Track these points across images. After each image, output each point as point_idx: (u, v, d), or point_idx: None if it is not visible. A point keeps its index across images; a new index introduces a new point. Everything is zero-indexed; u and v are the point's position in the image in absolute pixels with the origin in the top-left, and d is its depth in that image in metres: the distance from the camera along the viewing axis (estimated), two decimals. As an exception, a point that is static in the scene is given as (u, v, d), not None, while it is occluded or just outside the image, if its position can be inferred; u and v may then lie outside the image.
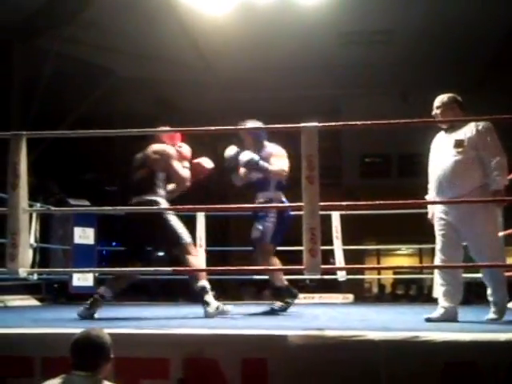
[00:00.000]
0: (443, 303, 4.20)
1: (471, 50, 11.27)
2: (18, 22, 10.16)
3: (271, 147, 5.27)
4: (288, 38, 10.60)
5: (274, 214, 5.16)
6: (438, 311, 4.19)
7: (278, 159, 5.20)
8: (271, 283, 5.27)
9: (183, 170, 5.05)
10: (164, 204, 4.87)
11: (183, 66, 11.74)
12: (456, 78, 12.27)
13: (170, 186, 5.16)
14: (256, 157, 5.18)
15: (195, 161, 5.23)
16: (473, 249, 4.29)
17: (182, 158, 5.11)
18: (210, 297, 4.74)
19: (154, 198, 4.87)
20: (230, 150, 5.32)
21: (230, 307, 4.83)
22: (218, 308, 4.69)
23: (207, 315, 4.60)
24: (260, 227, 5.17)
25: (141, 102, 13.38)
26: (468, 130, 4.23)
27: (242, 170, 5.34)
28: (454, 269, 4.30)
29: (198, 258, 5.12)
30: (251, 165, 5.18)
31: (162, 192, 4.96)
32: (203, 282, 4.79)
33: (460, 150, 4.22)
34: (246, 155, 5.19)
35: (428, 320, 4.11)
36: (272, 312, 5.09)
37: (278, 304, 5.13)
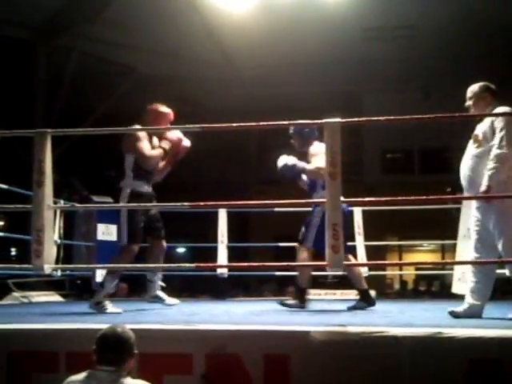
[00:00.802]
0: (469, 299, 4.16)
1: (495, 46, 11.15)
2: (41, 21, 10.26)
3: (315, 146, 5.17)
4: (310, 33, 10.58)
5: (317, 216, 5.06)
6: (462, 306, 4.15)
7: (316, 158, 5.09)
8: (296, 281, 5.27)
9: (149, 149, 4.99)
10: (128, 189, 4.99)
11: (205, 63, 11.76)
12: (479, 73, 12.15)
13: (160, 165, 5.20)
14: (291, 160, 5.14)
15: (169, 136, 5.12)
16: (498, 244, 4.23)
17: (162, 138, 5.11)
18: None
19: (121, 184, 5.05)
20: (280, 161, 5.25)
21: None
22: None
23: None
24: (303, 229, 5.17)
25: (163, 100, 13.38)
26: (485, 124, 4.16)
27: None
28: (488, 267, 4.21)
29: (125, 262, 4.97)
30: (286, 170, 5.16)
31: (129, 177, 5.04)
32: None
33: (476, 144, 4.17)
34: (281, 160, 5.18)
35: (451, 312, 4.08)
36: (284, 305, 5.13)
37: (291, 301, 5.17)
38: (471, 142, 4.24)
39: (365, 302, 5.26)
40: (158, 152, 5.06)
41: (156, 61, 11.54)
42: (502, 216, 4.08)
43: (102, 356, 2.68)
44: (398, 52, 11.57)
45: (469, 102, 4.33)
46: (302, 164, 5.15)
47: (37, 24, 10.33)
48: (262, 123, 4.07)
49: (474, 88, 4.33)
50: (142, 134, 5.03)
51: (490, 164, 4.00)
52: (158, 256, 5.24)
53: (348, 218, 5.17)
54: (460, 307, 4.14)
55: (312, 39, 10.73)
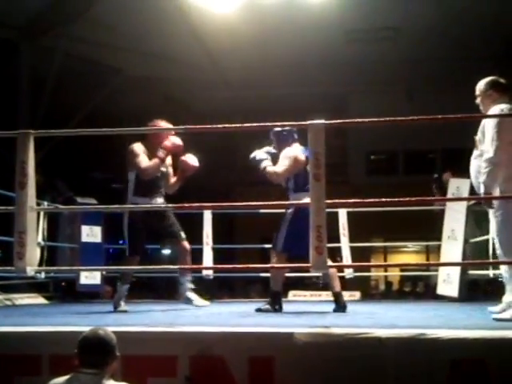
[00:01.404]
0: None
1: (478, 48, 11.22)
2: (26, 21, 10.19)
3: (287, 149, 5.15)
4: (294, 35, 10.60)
5: (286, 221, 5.06)
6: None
7: (281, 161, 5.11)
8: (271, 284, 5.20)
9: (145, 162, 5.23)
10: (128, 204, 5.32)
11: (190, 64, 11.75)
12: (462, 76, 12.23)
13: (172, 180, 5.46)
14: (260, 155, 5.15)
15: (181, 158, 5.37)
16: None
17: (163, 147, 5.27)
18: None
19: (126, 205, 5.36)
20: (252, 153, 5.25)
21: None
22: None
23: None
24: (274, 234, 5.17)
25: (149, 101, 13.38)
26: (481, 125, 4.11)
27: None
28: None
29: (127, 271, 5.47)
30: (253, 163, 5.18)
31: (130, 193, 5.34)
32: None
33: (475, 147, 4.18)
34: (254, 153, 5.20)
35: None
36: (259, 311, 5.02)
37: (265, 306, 5.08)
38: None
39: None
40: (153, 162, 5.25)
41: (141, 62, 11.51)
42: (501, 219, 4.02)
43: (84, 359, 2.67)
44: (381, 54, 11.62)
45: (477, 100, 4.27)
46: (265, 163, 5.12)
47: (20, 24, 10.25)
48: (246, 124, 4.07)
49: (480, 85, 4.26)
50: (140, 150, 5.30)
51: (483, 168, 3.97)
52: (184, 257, 5.42)
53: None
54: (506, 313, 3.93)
55: (296, 41, 10.76)
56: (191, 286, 5.58)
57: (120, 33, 10.46)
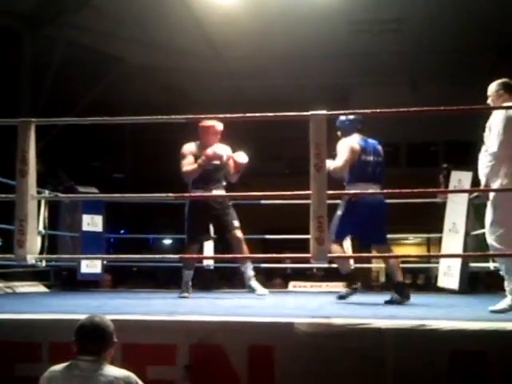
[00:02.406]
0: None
1: (482, 38, 11.17)
2: (28, 10, 10.16)
3: (344, 140, 5.26)
4: (297, 26, 10.55)
5: (340, 209, 5.21)
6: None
7: (339, 154, 5.19)
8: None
9: (186, 166, 5.61)
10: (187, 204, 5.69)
11: (193, 54, 11.70)
12: (466, 67, 12.20)
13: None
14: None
15: (231, 155, 5.63)
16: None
17: (205, 154, 5.57)
18: None
19: None
20: None
21: None
22: None
23: None
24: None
25: (151, 91, 13.37)
26: (489, 122, 4.13)
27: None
28: None
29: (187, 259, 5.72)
30: None
31: (189, 187, 5.70)
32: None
33: (483, 143, 4.18)
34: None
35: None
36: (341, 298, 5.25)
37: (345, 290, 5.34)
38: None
39: (400, 294, 5.12)
40: (191, 168, 5.62)
41: (143, 51, 11.47)
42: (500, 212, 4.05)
43: (81, 346, 2.69)
44: (385, 45, 11.56)
45: (488, 100, 4.27)
46: (328, 163, 5.24)
47: (23, 13, 10.22)
48: (247, 114, 4.06)
49: (492, 86, 4.26)
50: (187, 151, 5.68)
51: (487, 162, 4.01)
52: (236, 246, 5.62)
53: (380, 209, 5.16)
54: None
55: (300, 32, 10.71)
56: (253, 273, 5.72)
57: (123, 22, 10.42)
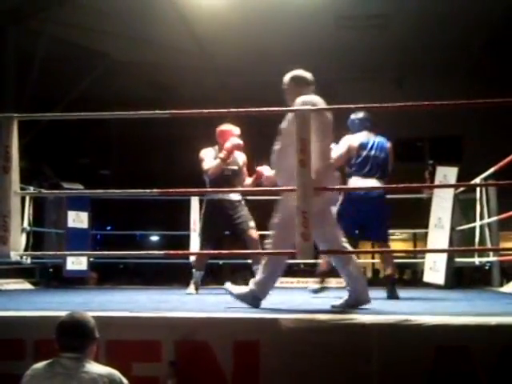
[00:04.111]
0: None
1: (467, 34, 11.21)
2: (12, 4, 10.06)
3: (347, 136, 5.48)
4: (283, 22, 10.53)
5: (338, 205, 5.21)
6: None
7: (338, 147, 5.39)
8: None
9: (207, 164, 5.73)
10: (207, 198, 5.88)
11: (178, 50, 11.65)
12: (452, 63, 12.24)
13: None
14: None
15: (258, 168, 5.54)
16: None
17: (224, 149, 5.71)
18: None
19: None
20: None
21: None
22: None
23: None
24: None
25: (137, 87, 13.30)
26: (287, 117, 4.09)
27: None
28: None
29: (199, 259, 5.97)
30: None
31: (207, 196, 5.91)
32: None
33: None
34: None
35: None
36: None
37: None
38: None
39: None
40: (214, 163, 5.73)
41: (128, 47, 11.40)
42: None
43: (62, 343, 2.68)
44: (371, 41, 11.57)
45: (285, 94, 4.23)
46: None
47: (7, 7, 10.12)
48: (232, 110, 4.04)
49: (285, 78, 4.28)
50: (206, 154, 5.83)
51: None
52: (250, 246, 5.70)
53: (378, 203, 5.26)
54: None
55: (285, 28, 10.69)
56: None
57: (108, 17, 10.34)
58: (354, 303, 3.87)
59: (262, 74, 12.62)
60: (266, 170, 5.51)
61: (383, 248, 5.51)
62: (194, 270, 5.94)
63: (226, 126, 5.89)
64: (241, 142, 5.77)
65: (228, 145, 5.72)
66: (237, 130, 5.87)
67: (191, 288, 5.88)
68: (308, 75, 4.29)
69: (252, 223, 5.85)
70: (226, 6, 10.02)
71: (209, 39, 11.45)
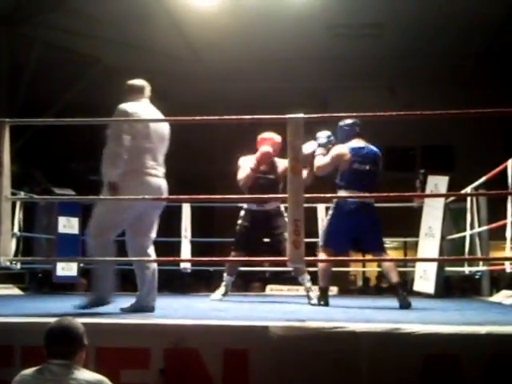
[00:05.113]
0: None
1: (460, 43, 11.28)
2: (4, 8, 10.05)
3: (338, 146, 5.34)
4: (276, 29, 10.56)
5: (328, 217, 5.31)
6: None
7: (328, 155, 5.31)
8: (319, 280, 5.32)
9: (240, 174, 5.74)
10: (244, 207, 5.91)
11: (171, 56, 11.66)
12: (445, 72, 12.30)
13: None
14: (312, 146, 5.35)
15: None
16: None
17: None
18: None
19: None
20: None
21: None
22: None
23: None
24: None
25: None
26: None
27: None
28: None
29: (231, 265, 6.03)
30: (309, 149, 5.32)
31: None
32: None
33: None
34: (310, 144, 5.34)
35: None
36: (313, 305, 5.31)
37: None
38: None
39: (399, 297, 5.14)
40: (244, 173, 5.71)
41: (121, 52, 11.39)
42: None
43: (51, 350, 2.66)
44: (364, 50, 11.62)
45: None
46: (318, 151, 5.30)
47: (-1, 12, 10.13)
48: (225, 117, 4.05)
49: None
50: (243, 163, 5.79)
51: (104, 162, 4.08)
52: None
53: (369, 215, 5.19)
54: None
55: (279, 35, 10.72)
56: (309, 284, 5.69)
57: (100, 23, 10.34)
58: (139, 308, 4.06)
59: (255, 81, 12.66)
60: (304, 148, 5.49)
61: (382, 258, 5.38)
62: (225, 275, 5.98)
63: (266, 134, 5.80)
64: (270, 150, 5.67)
65: (257, 154, 5.67)
66: (278, 138, 5.70)
67: (217, 293, 5.96)
68: (139, 83, 4.50)
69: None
70: (220, 13, 10.04)
71: (202, 45, 11.48)
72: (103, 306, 4.06)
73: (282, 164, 5.65)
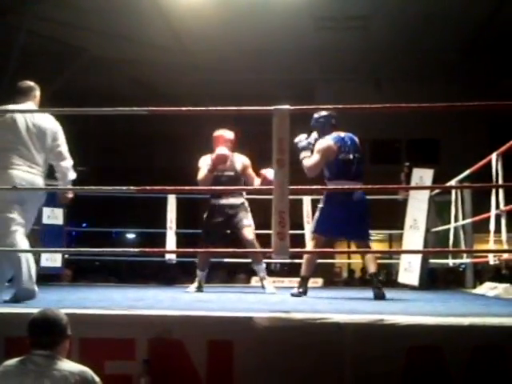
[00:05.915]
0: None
1: (445, 37, 11.33)
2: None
3: (321, 141, 5.29)
4: (263, 21, 10.55)
5: (321, 203, 5.31)
6: None
7: (314, 153, 5.27)
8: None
9: (199, 175, 5.81)
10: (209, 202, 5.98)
11: (158, 47, 11.62)
12: (430, 65, 12.35)
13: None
14: (301, 144, 5.30)
15: (262, 171, 5.71)
16: None
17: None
18: None
19: None
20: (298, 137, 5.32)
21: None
22: None
23: None
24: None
25: (116, 83, 13.23)
26: None
27: None
28: None
29: (201, 257, 6.04)
30: (296, 149, 5.25)
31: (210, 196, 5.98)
32: None
33: None
34: (297, 139, 5.29)
35: None
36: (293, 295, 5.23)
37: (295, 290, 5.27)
38: None
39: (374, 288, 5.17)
40: (202, 174, 5.81)
41: (107, 43, 11.34)
42: None
43: (34, 340, 2.66)
44: (350, 42, 11.64)
45: None
46: (303, 154, 5.26)
47: (-17, 1, 10.03)
48: (210, 108, 4.03)
49: None
50: (202, 163, 5.88)
51: None
52: (245, 245, 5.81)
53: (359, 205, 5.21)
54: None
55: (265, 27, 10.71)
56: (263, 274, 5.89)
57: (87, 13, 10.28)
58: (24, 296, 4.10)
59: (241, 72, 12.65)
60: (269, 173, 5.47)
61: (363, 248, 5.43)
62: (197, 270, 6.01)
63: (218, 132, 5.87)
64: (225, 153, 5.71)
65: (213, 156, 5.73)
66: (229, 135, 5.83)
67: (192, 287, 5.95)
68: (22, 84, 4.77)
69: (247, 222, 5.87)
70: (206, 4, 10.02)
71: (188, 37, 11.45)
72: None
73: (239, 160, 5.89)
